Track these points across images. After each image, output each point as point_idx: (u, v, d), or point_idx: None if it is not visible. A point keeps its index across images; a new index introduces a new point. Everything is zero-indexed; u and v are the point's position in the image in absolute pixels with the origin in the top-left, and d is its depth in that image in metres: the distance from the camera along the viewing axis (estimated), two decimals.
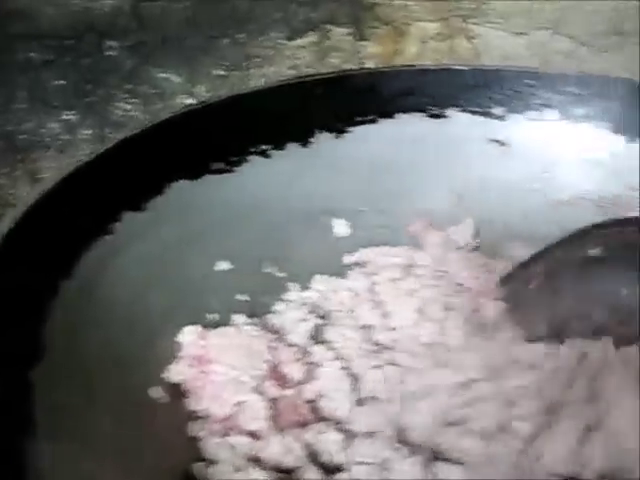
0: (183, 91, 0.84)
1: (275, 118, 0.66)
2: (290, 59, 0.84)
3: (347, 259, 0.65)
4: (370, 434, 0.48)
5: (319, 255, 0.65)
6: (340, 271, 0.64)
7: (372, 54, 0.85)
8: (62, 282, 0.49)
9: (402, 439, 0.48)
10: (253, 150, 0.65)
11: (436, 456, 0.47)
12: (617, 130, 0.68)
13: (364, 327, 0.58)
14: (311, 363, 0.55)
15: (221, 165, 0.63)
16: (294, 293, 0.61)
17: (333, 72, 0.71)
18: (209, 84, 0.84)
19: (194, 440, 0.49)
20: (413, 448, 0.46)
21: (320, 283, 0.62)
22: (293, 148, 0.67)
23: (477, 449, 0.47)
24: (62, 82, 0.81)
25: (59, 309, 0.47)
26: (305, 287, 0.62)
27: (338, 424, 0.51)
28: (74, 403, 0.44)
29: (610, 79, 0.70)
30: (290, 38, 0.83)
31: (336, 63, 0.85)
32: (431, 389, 0.52)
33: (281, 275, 0.63)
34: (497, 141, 0.70)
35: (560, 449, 0.47)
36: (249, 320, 0.56)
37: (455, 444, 0.48)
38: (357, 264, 0.65)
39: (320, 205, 0.67)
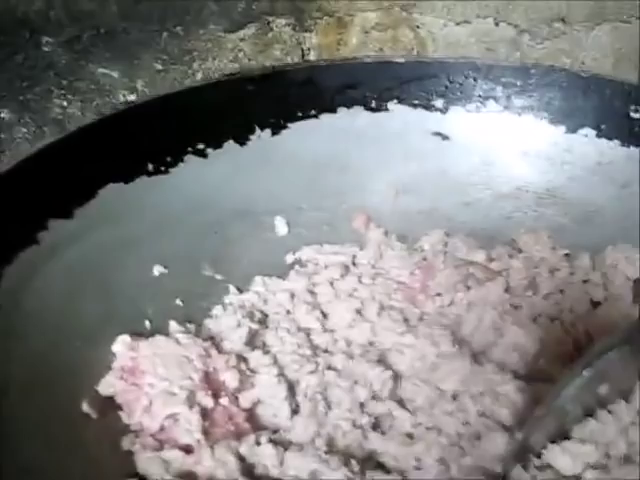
0: (122, 86, 0.82)
1: (211, 116, 0.65)
2: (231, 52, 0.82)
3: (289, 258, 0.64)
4: (301, 446, 0.47)
5: (260, 255, 0.64)
6: (282, 271, 0.63)
7: (315, 45, 0.84)
8: None
9: (333, 448, 0.48)
10: (189, 150, 0.64)
11: (365, 463, 0.47)
12: (556, 121, 0.67)
13: (302, 330, 0.57)
14: (247, 370, 0.53)
15: (156, 166, 0.62)
16: (233, 296, 0.60)
17: (270, 67, 0.69)
18: (149, 79, 0.82)
19: (128, 455, 0.48)
20: (343, 458, 0.46)
21: (259, 285, 0.61)
22: (231, 146, 0.66)
23: (405, 453, 0.47)
24: None
25: None
26: (244, 289, 0.61)
27: (275, 433, 0.50)
28: None
29: (550, 69, 0.69)
30: (230, 30, 0.81)
31: (278, 55, 0.83)
32: (361, 392, 0.51)
33: (220, 277, 0.62)
34: (438, 134, 0.69)
35: (490, 448, 0.47)
36: (184, 327, 0.55)
37: (384, 449, 0.47)
38: (298, 263, 0.64)
39: (260, 204, 0.66)
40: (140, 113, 0.61)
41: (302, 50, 0.82)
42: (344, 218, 0.67)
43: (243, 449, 0.47)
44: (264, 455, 0.47)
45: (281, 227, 0.65)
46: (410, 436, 0.48)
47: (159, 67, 0.80)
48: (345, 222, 0.67)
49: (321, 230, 0.66)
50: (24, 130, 0.81)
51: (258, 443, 0.48)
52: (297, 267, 0.63)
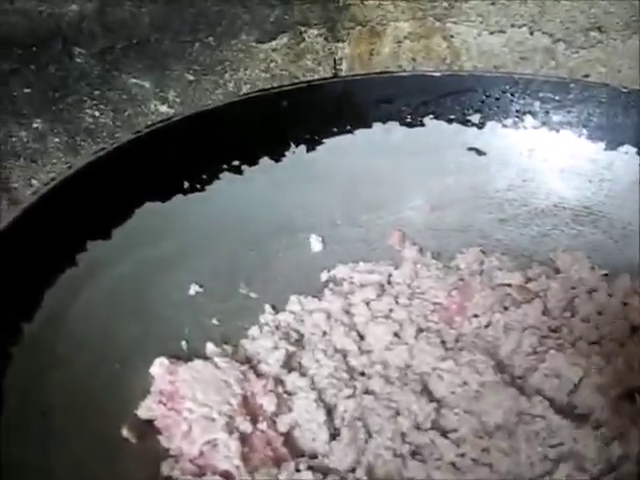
0: (154, 97, 0.82)
1: (246, 132, 0.64)
2: (263, 62, 0.82)
3: (324, 276, 0.64)
4: (340, 473, 0.47)
5: (295, 273, 0.64)
6: (316, 289, 0.63)
7: (347, 55, 0.83)
8: (23, 324, 0.47)
9: (373, 476, 0.47)
10: (224, 167, 0.63)
11: None
12: (596, 137, 0.66)
13: (338, 352, 0.56)
14: (284, 393, 0.53)
15: (192, 184, 0.61)
16: (268, 315, 0.60)
17: (303, 82, 0.69)
18: (180, 89, 0.82)
19: None
20: None
21: (295, 304, 0.60)
22: (266, 163, 0.65)
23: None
24: (29, 90, 0.78)
25: (20, 353, 0.46)
26: (280, 309, 0.61)
27: (313, 458, 0.50)
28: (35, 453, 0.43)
29: (589, 84, 0.68)
30: (262, 41, 0.80)
31: (310, 65, 0.83)
32: (402, 421, 0.51)
33: (255, 296, 0.61)
34: (474, 149, 0.68)
35: None
36: (221, 349, 0.55)
37: (424, 476, 0.47)
38: (333, 281, 0.63)
39: (295, 221, 0.66)
40: (175, 130, 0.61)
41: (334, 60, 0.82)
42: (379, 234, 0.67)
43: (283, 476, 0.47)
44: None
45: (316, 244, 0.65)
46: (454, 465, 0.48)
47: (191, 77, 0.80)
48: (380, 239, 0.66)
49: (356, 247, 0.66)
50: (56, 140, 0.81)
51: (298, 470, 0.47)
52: (332, 285, 0.63)
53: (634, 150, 0.66)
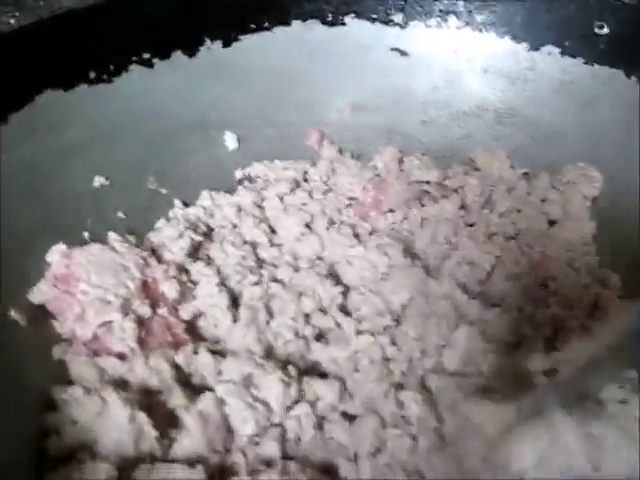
0: None
1: (158, 24, 0.61)
2: None
3: (238, 174, 0.62)
4: (237, 353, 0.46)
5: (208, 170, 0.62)
6: (230, 186, 0.61)
7: None
8: None
9: (272, 357, 0.46)
10: (134, 59, 0.60)
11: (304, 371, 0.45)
12: (519, 38, 0.65)
13: (248, 243, 0.55)
14: (189, 281, 0.51)
15: (98, 74, 0.58)
16: (178, 210, 0.57)
17: None
18: None
19: (59, 363, 0.46)
20: (281, 364, 0.44)
21: (206, 199, 0.58)
22: (179, 57, 0.62)
23: (345, 356, 0.45)
24: None
25: None
26: (191, 204, 0.59)
27: (215, 343, 0.48)
28: None
29: None
30: None
31: None
32: (306, 304, 0.49)
33: (165, 191, 0.59)
34: (397, 50, 0.67)
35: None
36: (123, 238, 0.53)
37: (325, 357, 0.46)
38: (247, 179, 0.62)
39: (210, 118, 0.63)
40: (81, 17, 0.58)
41: None
42: (297, 134, 0.65)
43: (179, 358, 0.45)
44: (201, 364, 0.45)
45: (231, 142, 0.62)
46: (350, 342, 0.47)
47: None
48: (298, 138, 0.65)
49: (273, 146, 0.64)
50: None
51: (195, 352, 0.46)
52: (247, 183, 0.60)
53: (557, 50, 0.64)
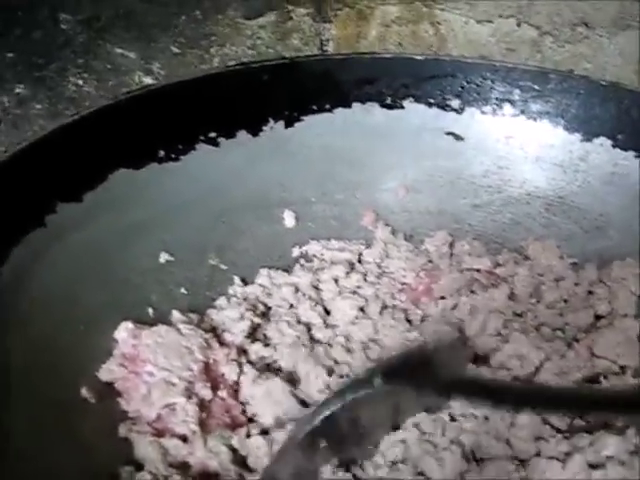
0: (139, 68, 0.82)
1: (225, 105, 0.65)
2: (250, 39, 0.82)
3: (295, 252, 0.64)
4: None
5: (266, 247, 0.64)
6: (287, 264, 0.63)
7: (334, 37, 0.83)
8: None
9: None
10: (201, 138, 0.63)
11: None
12: (572, 128, 0.67)
13: (303, 324, 0.57)
14: (247, 362, 0.53)
15: (167, 153, 0.61)
16: (237, 287, 0.60)
17: (286, 58, 0.69)
18: (165, 61, 0.81)
19: (124, 442, 0.49)
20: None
21: (264, 277, 0.61)
22: (243, 136, 0.65)
23: None
24: (12, 55, 0.78)
25: None
26: (250, 281, 0.61)
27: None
28: None
29: (569, 75, 0.68)
30: (249, 17, 0.80)
31: (296, 44, 0.83)
32: None
33: (225, 267, 0.62)
34: (452, 134, 0.69)
35: None
36: (186, 317, 0.55)
37: None
38: (304, 257, 0.64)
39: (270, 196, 0.66)
40: (154, 98, 0.61)
41: (321, 41, 0.82)
42: (353, 214, 0.67)
43: (235, 441, 0.48)
44: (254, 446, 0.47)
45: (289, 220, 0.65)
46: None
47: (176, 50, 0.80)
48: (354, 218, 0.67)
49: (329, 225, 0.66)
50: (38, 107, 0.80)
51: (248, 435, 0.48)
52: (303, 261, 0.63)
53: (609, 142, 0.66)
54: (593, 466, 0.47)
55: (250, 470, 0.48)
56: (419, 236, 0.66)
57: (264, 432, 0.49)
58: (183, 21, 0.78)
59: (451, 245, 0.65)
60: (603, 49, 0.83)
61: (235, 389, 0.52)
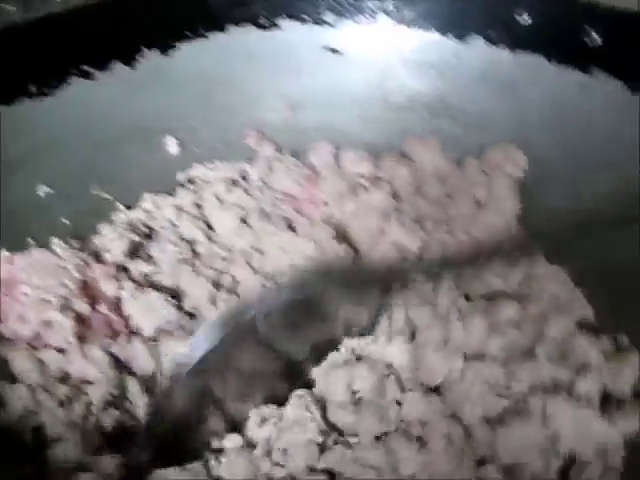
0: None
1: (96, 37, 0.64)
2: None
3: (180, 176, 0.64)
4: None
5: (150, 174, 0.64)
6: (172, 188, 0.63)
7: None
8: None
9: None
10: (74, 71, 0.63)
11: None
12: (445, 30, 0.68)
13: (186, 241, 0.57)
14: (129, 279, 0.54)
15: (39, 88, 0.61)
16: (121, 213, 0.60)
17: None
18: None
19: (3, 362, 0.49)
20: None
21: (147, 202, 0.61)
22: (119, 68, 0.65)
23: None
24: None
25: None
26: (133, 207, 0.61)
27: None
28: None
29: None
30: None
31: None
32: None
33: (108, 197, 0.61)
34: (330, 48, 0.69)
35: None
36: (65, 242, 0.55)
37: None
38: (189, 181, 0.64)
39: (151, 124, 0.66)
40: (18, 33, 0.60)
41: None
42: (237, 135, 0.67)
43: (115, 348, 0.48)
44: (133, 352, 0.47)
45: (172, 146, 0.65)
46: None
47: None
48: (238, 139, 0.67)
49: (214, 148, 0.66)
50: None
51: (130, 342, 0.48)
52: (188, 184, 0.63)
53: (483, 40, 0.67)
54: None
55: (133, 374, 0.48)
56: (305, 152, 0.67)
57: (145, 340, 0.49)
58: None
59: (336, 156, 0.65)
60: None
61: (117, 304, 0.52)
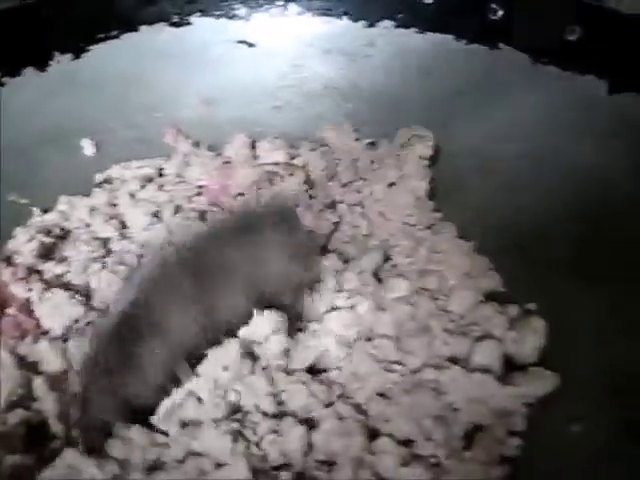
0: None
1: (4, 44, 0.64)
2: None
3: (98, 177, 0.65)
4: None
5: (67, 177, 0.65)
6: (89, 190, 0.63)
7: None
8: None
9: None
10: None
11: None
12: (355, 17, 0.68)
13: (99, 239, 0.57)
14: (41, 281, 0.54)
15: None
16: (35, 217, 0.60)
17: None
18: None
19: None
20: None
21: (63, 204, 0.61)
22: (31, 73, 0.65)
23: None
24: None
25: None
26: (49, 210, 0.61)
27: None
28: None
29: None
30: None
31: None
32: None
33: (25, 201, 0.62)
34: (244, 42, 0.70)
35: None
36: None
37: None
38: (105, 181, 0.64)
39: (67, 128, 0.66)
40: None
41: None
42: (155, 134, 0.67)
43: (22, 348, 0.48)
44: (40, 351, 0.48)
45: (89, 148, 0.65)
46: None
47: None
48: (156, 137, 0.67)
49: (132, 148, 0.67)
50: None
51: (36, 341, 0.49)
52: (105, 185, 0.63)
53: (392, 24, 0.67)
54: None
55: (40, 373, 0.48)
56: (223, 146, 0.67)
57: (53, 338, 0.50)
58: None
59: (253, 147, 0.65)
60: None
61: (27, 306, 0.52)
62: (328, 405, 0.44)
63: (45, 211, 0.61)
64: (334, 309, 0.49)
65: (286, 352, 0.46)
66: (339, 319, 0.48)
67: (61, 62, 0.66)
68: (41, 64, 0.66)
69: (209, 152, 0.66)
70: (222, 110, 0.69)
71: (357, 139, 0.65)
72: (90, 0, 0.68)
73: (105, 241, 0.57)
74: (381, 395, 0.45)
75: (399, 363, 0.46)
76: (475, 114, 0.63)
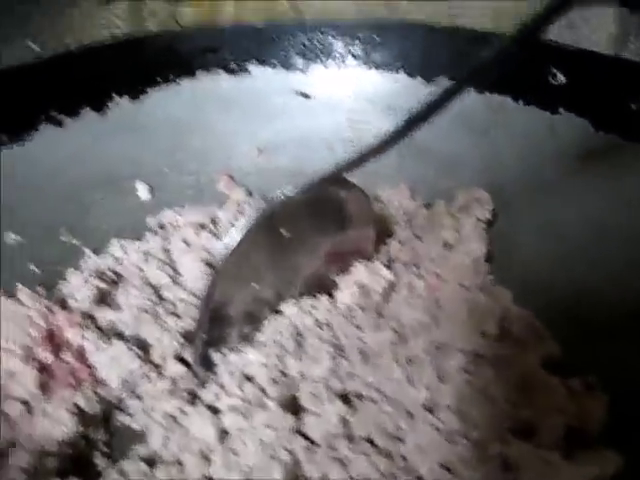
0: None
1: (66, 84, 0.65)
2: (104, 28, 0.82)
3: (150, 222, 0.65)
4: None
5: (119, 219, 0.64)
6: (141, 234, 0.63)
7: (189, 16, 0.84)
8: None
9: None
10: (43, 118, 0.63)
11: None
12: (414, 73, 0.68)
13: (151, 286, 0.57)
14: (96, 328, 0.53)
15: (8, 137, 0.61)
16: (88, 260, 0.60)
17: (126, 35, 0.69)
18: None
19: None
20: None
21: (115, 247, 0.61)
22: (88, 114, 0.65)
23: None
24: None
25: None
26: (102, 252, 0.61)
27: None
28: None
29: (405, 24, 0.70)
30: (102, 3, 0.80)
31: (153, 28, 0.83)
32: None
33: (77, 243, 0.61)
34: (300, 93, 0.70)
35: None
36: (31, 290, 0.55)
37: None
38: (159, 226, 0.64)
39: (121, 170, 0.66)
40: None
41: (177, 22, 0.82)
42: (208, 180, 0.67)
43: (78, 399, 0.48)
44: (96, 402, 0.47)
45: (143, 192, 0.65)
46: None
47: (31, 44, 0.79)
48: (209, 184, 0.67)
49: (185, 193, 0.66)
50: None
51: (95, 392, 0.48)
52: (157, 229, 0.63)
53: (449, 82, 0.67)
54: None
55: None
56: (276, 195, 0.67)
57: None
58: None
59: None
60: None
61: (82, 353, 0.52)
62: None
63: (95, 251, 0.60)
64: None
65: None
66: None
67: (119, 104, 0.66)
68: (99, 106, 0.65)
69: (262, 201, 0.65)
70: (275, 159, 0.69)
71: (413, 198, 0.64)
72: (147, 46, 0.68)
73: (157, 287, 0.57)
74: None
75: (465, 435, 0.45)
76: (535, 178, 0.63)
